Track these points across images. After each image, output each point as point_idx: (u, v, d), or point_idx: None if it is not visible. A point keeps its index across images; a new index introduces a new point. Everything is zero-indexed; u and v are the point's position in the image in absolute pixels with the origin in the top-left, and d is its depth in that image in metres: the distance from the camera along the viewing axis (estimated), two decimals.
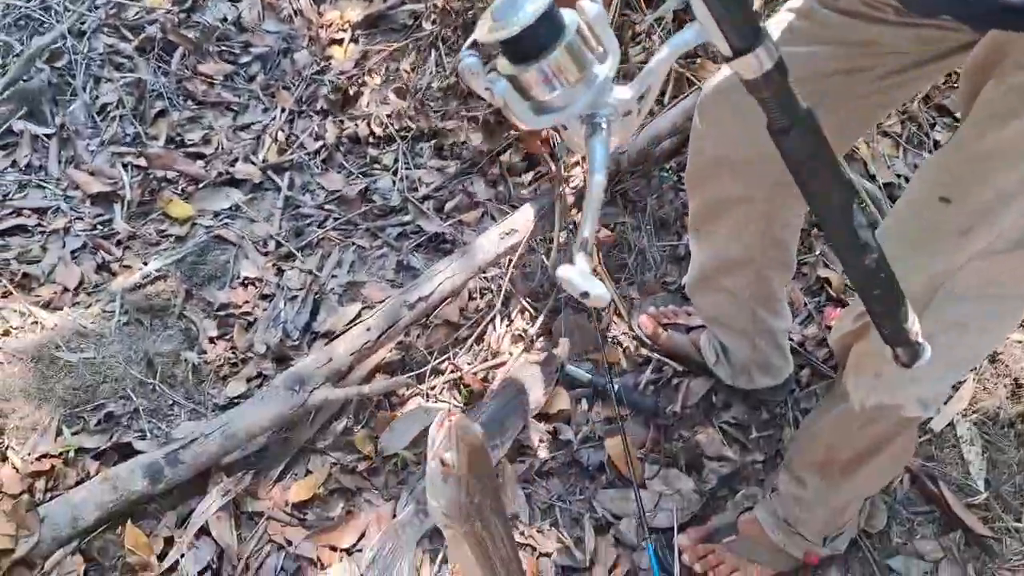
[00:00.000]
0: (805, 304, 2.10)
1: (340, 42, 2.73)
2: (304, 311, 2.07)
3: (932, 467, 1.82)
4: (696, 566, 1.66)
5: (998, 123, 1.02)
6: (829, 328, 2.05)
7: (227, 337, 2.01)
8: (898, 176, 2.29)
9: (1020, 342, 1.92)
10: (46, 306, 2.01)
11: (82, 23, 2.73)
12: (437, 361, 1.95)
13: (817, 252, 2.17)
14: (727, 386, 1.91)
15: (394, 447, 1.79)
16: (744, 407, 1.93)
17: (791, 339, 1.98)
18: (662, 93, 2.35)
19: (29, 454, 1.68)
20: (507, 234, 1.97)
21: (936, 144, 2.37)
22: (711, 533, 1.71)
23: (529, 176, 2.32)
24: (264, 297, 2.12)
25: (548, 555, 1.68)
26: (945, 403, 1.88)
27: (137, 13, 2.78)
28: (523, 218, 2.02)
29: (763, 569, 1.65)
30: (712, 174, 1.49)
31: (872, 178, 2.25)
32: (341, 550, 1.66)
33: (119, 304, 1.99)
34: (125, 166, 2.43)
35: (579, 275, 0.78)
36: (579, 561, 1.68)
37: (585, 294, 0.80)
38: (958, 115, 2.42)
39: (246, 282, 2.14)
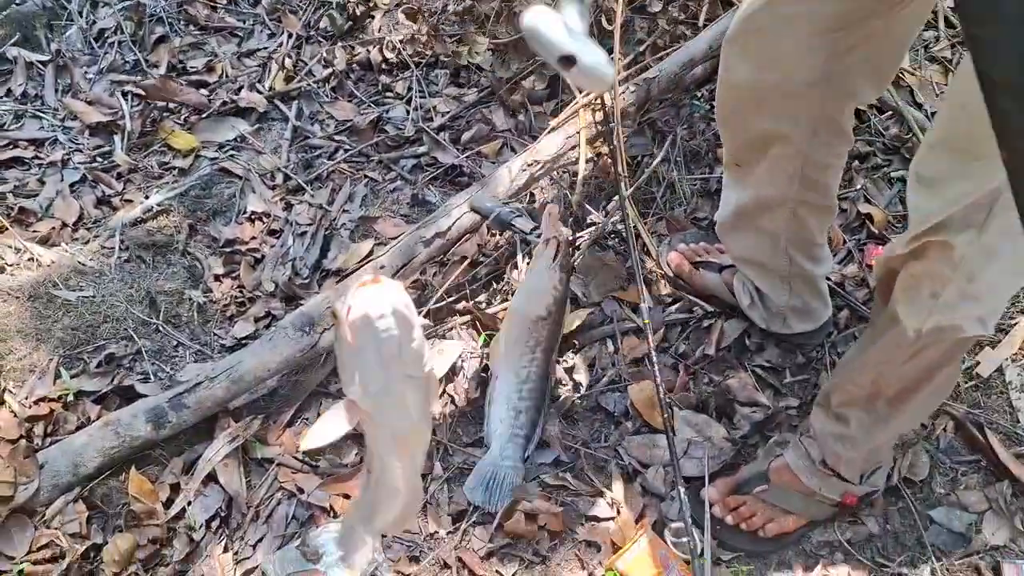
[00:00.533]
0: (845, 242, 1.98)
1: None
2: (314, 247, 1.97)
3: (979, 414, 1.72)
4: (728, 519, 1.57)
5: None
6: (870, 267, 1.93)
7: (233, 275, 1.91)
8: None
9: None
10: (43, 242, 1.91)
11: None
12: (454, 300, 1.84)
13: (859, 186, 2.04)
14: (761, 328, 1.81)
15: None
16: (778, 350, 1.82)
17: (829, 279, 1.86)
18: (695, 15, 2.19)
19: (27, 397, 1.60)
20: (529, 166, 1.85)
21: None
22: (740, 484, 1.62)
23: (551, 105, 2.19)
24: (272, 233, 2.01)
25: (574, 504, 1.60)
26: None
27: None
28: (546, 149, 1.89)
29: (797, 519, 1.57)
30: (744, 108, 1.37)
31: (919, 106, 2.10)
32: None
33: (119, 240, 1.89)
34: (125, 95, 2.30)
35: (561, 27, 0.53)
36: (605, 510, 1.60)
37: (567, 60, 0.54)
38: None
39: (253, 217, 2.03)
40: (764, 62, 1.26)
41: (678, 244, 1.92)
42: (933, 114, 2.09)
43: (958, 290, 1.10)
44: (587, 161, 1.91)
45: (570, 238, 1.47)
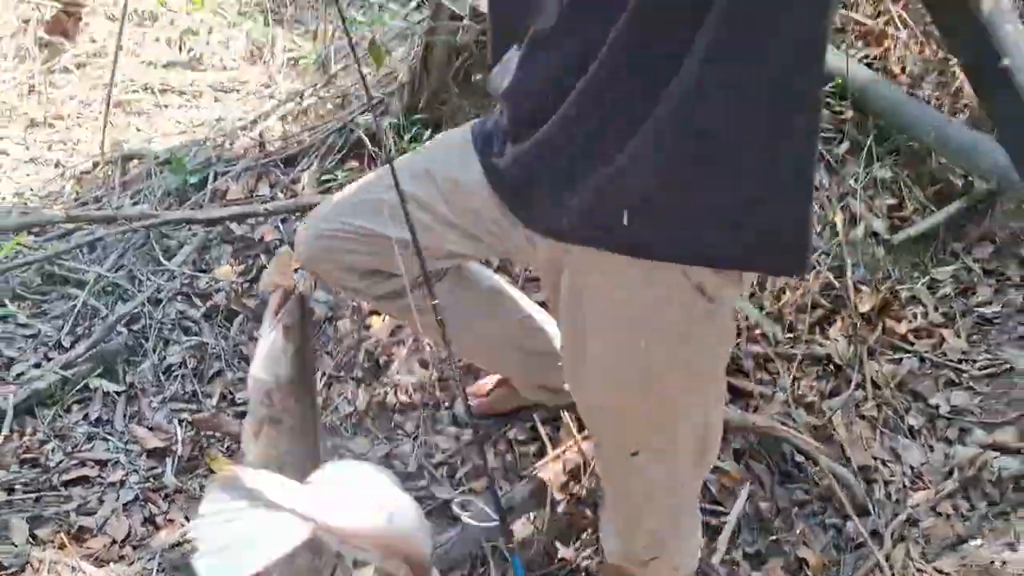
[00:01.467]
0: None
1: (379, 312, 3.11)
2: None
3: None
4: None
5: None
6: None
7: None
8: (875, 459, 2.48)
9: None
10: (95, 560, 2.26)
11: (159, 291, 3.17)
12: None
13: (797, 531, 2.34)
14: None
15: None
16: None
17: None
18: None
19: None
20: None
21: (911, 428, 2.56)
22: None
23: (534, 447, 2.57)
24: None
25: None
26: None
27: (207, 283, 3.22)
28: (521, 492, 2.25)
29: None
30: None
31: (848, 461, 2.44)
32: None
33: (157, 563, 2.23)
34: (181, 422, 2.75)
35: None
36: None
37: None
38: (931, 400, 2.63)
39: None
40: None
41: None
42: (861, 468, 2.42)
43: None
44: (556, 504, 2.26)
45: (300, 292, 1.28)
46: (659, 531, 1.58)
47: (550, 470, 2.30)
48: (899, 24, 3.65)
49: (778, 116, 1.09)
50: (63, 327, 3.08)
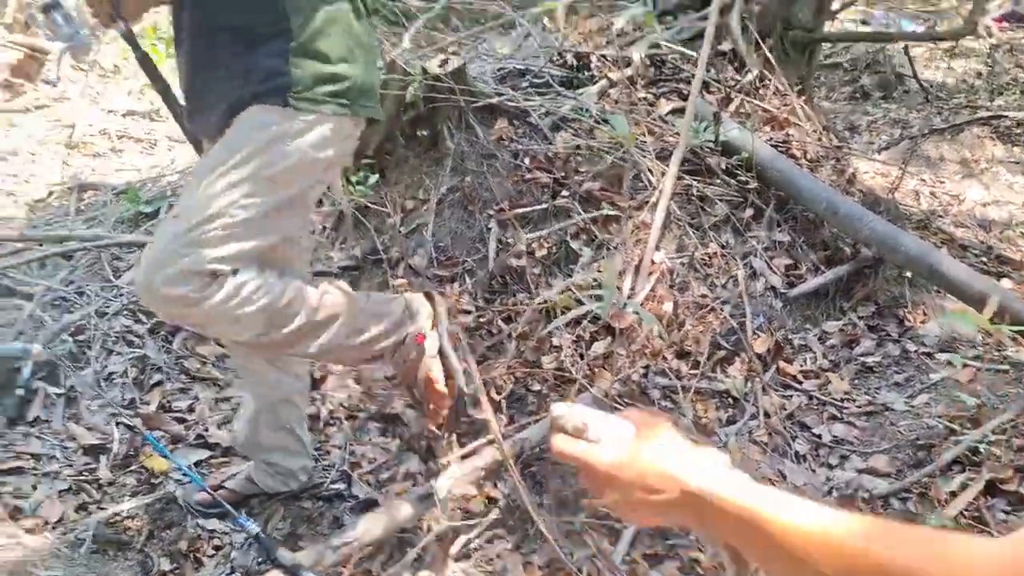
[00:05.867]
0: None
1: None
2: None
3: None
4: None
5: None
6: None
7: (177, 571, 2.33)
8: (763, 478, 2.73)
9: None
10: (29, 532, 2.35)
11: (106, 306, 3.32)
12: None
13: (691, 537, 2.56)
14: None
15: None
16: None
17: None
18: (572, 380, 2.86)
19: None
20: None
21: (797, 454, 2.84)
22: None
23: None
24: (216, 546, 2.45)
25: None
26: None
27: None
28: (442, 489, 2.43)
29: None
30: None
31: None
32: None
33: (91, 533, 2.34)
34: (117, 424, 2.87)
35: None
36: None
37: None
38: (816, 431, 2.92)
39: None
40: None
41: None
42: None
43: None
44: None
45: None
46: None
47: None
48: (801, 116, 4.12)
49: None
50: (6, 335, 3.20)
